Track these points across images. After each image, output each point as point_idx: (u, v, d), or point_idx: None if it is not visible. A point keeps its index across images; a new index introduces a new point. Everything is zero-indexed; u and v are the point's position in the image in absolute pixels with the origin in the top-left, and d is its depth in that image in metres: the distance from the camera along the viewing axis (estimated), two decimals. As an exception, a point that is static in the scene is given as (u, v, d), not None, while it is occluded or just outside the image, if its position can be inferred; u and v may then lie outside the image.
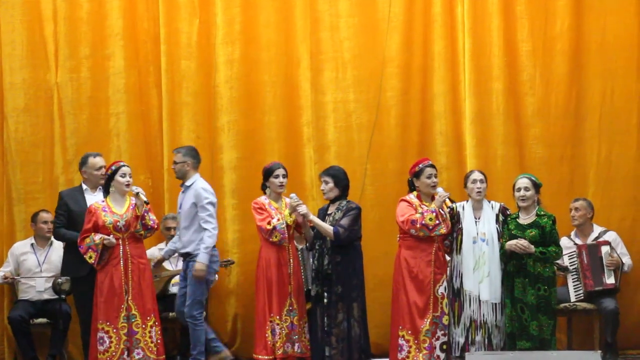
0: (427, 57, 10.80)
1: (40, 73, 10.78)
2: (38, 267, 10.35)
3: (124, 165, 9.42)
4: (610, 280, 9.96)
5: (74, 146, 10.72)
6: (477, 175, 9.40)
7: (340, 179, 9.45)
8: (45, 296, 10.21)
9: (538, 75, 10.71)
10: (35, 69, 10.78)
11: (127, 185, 9.37)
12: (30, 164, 10.76)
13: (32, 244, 10.45)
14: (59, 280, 9.91)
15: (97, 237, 9.23)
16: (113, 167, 9.40)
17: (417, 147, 10.76)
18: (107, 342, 9.24)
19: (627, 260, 10.17)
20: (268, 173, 9.67)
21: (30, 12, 10.77)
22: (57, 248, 10.25)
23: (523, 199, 9.25)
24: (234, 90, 10.81)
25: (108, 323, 9.25)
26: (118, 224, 9.28)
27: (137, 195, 9.31)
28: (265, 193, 9.70)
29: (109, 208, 9.34)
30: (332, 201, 9.50)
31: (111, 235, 9.23)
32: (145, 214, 9.32)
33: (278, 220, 9.47)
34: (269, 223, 9.47)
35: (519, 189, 9.28)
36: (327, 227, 9.31)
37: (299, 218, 9.55)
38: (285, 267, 9.54)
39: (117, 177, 9.36)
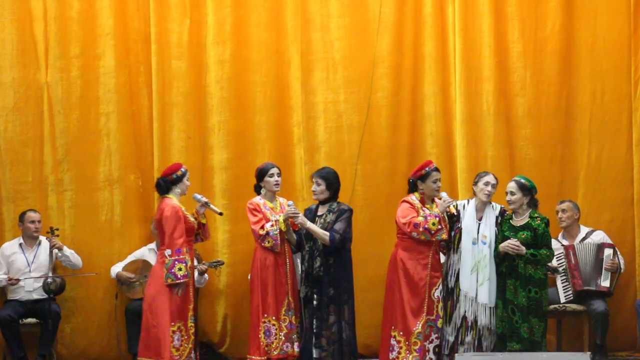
0: (417, 57, 10.79)
1: (30, 72, 10.71)
2: (27, 267, 10.30)
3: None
4: (605, 283, 9.97)
5: (64, 146, 10.67)
6: (491, 179, 9.33)
7: (332, 181, 9.43)
8: (35, 296, 10.18)
9: (528, 76, 10.72)
10: (25, 68, 10.71)
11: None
12: (19, 163, 10.70)
13: (20, 244, 10.40)
14: (49, 280, 9.90)
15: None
16: (181, 170, 9.45)
17: (408, 148, 10.76)
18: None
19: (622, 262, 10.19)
20: (262, 173, 9.63)
21: (20, 11, 10.70)
22: (45, 247, 10.24)
23: (509, 202, 9.28)
24: (225, 90, 10.77)
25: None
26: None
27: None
28: (258, 194, 9.67)
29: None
30: (322, 202, 9.49)
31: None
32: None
33: (272, 225, 9.44)
34: (262, 227, 9.43)
35: (506, 193, 9.31)
36: (323, 233, 9.28)
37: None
38: (282, 268, 9.51)
39: (184, 180, 9.49)
